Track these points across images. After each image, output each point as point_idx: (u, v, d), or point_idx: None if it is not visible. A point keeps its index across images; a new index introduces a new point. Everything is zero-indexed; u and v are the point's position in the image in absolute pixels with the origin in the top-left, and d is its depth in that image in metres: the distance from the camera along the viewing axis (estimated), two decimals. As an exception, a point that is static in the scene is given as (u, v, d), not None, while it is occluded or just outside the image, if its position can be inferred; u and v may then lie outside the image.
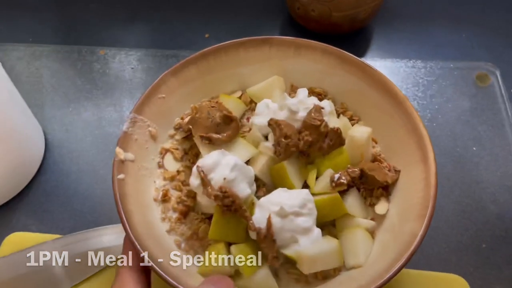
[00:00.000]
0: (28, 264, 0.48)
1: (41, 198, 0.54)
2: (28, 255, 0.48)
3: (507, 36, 0.68)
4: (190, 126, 0.46)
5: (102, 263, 0.47)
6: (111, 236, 0.50)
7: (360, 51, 0.67)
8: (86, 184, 0.55)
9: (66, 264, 0.48)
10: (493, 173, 0.55)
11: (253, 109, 0.50)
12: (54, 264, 0.48)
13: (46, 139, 0.59)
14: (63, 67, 0.66)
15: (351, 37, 0.68)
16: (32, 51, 0.67)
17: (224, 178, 0.40)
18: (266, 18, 0.72)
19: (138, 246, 0.37)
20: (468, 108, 0.60)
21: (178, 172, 0.46)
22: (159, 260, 0.38)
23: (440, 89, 0.62)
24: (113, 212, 0.52)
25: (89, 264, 0.47)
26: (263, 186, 0.45)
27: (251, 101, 0.51)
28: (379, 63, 0.65)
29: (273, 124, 0.44)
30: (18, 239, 0.50)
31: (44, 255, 0.48)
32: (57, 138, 0.59)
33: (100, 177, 0.55)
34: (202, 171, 0.41)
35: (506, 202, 0.53)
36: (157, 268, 0.36)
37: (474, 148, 0.57)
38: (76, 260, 0.48)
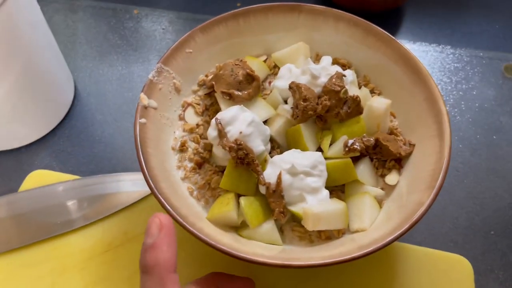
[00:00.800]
0: (46, 200, 0.51)
1: (66, 142, 0.57)
2: (47, 191, 0.51)
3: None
4: (213, 83, 0.47)
5: (116, 207, 0.50)
6: (126, 182, 0.52)
7: (390, 32, 0.66)
8: (108, 133, 0.58)
9: (82, 203, 0.50)
10: (511, 163, 0.54)
11: (275, 74, 0.51)
12: (70, 202, 0.50)
13: (75, 88, 0.61)
14: (98, 23, 0.68)
15: (383, 17, 0.68)
16: (70, 4, 0.70)
17: (240, 132, 0.42)
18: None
19: (153, 185, 0.39)
20: (492, 97, 0.60)
21: (198, 125, 0.48)
22: (172, 201, 0.39)
23: (466, 76, 0.62)
24: (131, 161, 0.54)
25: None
26: (277, 147, 0.46)
27: (275, 66, 0.52)
28: (408, 45, 0.64)
29: (294, 87, 0.45)
30: (40, 176, 0.53)
31: (62, 193, 0.51)
32: (86, 88, 0.61)
33: (123, 128, 0.58)
34: (220, 123, 0.42)
35: (521, 193, 0.52)
36: (168, 207, 0.38)
37: (494, 137, 0.56)
38: (92, 201, 0.50)
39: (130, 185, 0.52)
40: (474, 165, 0.55)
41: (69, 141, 0.57)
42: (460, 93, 0.60)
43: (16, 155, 0.55)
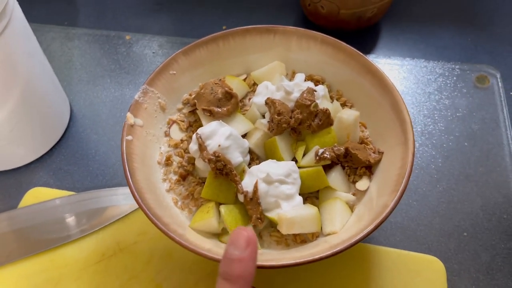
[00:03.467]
0: (44, 215, 0.54)
1: (63, 161, 0.60)
2: (45, 207, 0.55)
3: (510, 40, 0.71)
4: (195, 101, 0.51)
5: (109, 220, 0.54)
6: (119, 196, 0.55)
7: (367, 49, 0.71)
8: (102, 152, 0.61)
9: (78, 217, 0.54)
10: (483, 168, 0.57)
11: (255, 91, 0.55)
12: (67, 216, 0.54)
13: (71, 110, 0.65)
14: (92, 49, 0.73)
15: (359, 35, 0.72)
16: (66, 33, 0.75)
17: (219, 145, 0.45)
18: (280, 14, 0.77)
19: (138, 197, 0.42)
20: (464, 107, 0.63)
21: (182, 140, 0.52)
22: (155, 210, 0.43)
23: (439, 87, 0.65)
24: (123, 177, 0.58)
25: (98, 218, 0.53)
26: (256, 159, 0.50)
27: (254, 84, 0.56)
28: (383, 60, 0.68)
29: (269, 102, 0.49)
30: (38, 193, 0.56)
31: (59, 208, 0.54)
32: (81, 110, 0.65)
33: (116, 146, 0.61)
34: (200, 137, 0.46)
35: (492, 195, 0.55)
36: (151, 216, 0.41)
37: (466, 144, 0.60)
38: (87, 214, 0.54)
39: (122, 198, 0.55)
40: (447, 170, 0.57)
41: (66, 160, 0.60)
42: (433, 103, 0.64)
43: (15, 174, 0.59)
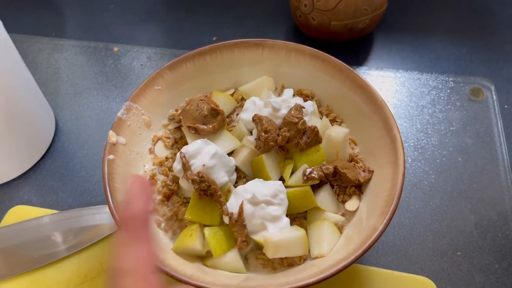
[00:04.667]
0: (27, 234, 0.52)
1: (46, 177, 0.59)
2: (28, 226, 0.53)
3: (507, 53, 0.69)
4: (181, 117, 0.50)
5: (93, 239, 0.52)
6: (103, 215, 0.54)
7: (359, 60, 0.70)
8: (88, 168, 0.60)
9: (62, 236, 0.52)
10: (476, 184, 0.56)
11: (243, 106, 0.54)
12: (50, 235, 0.52)
13: (56, 124, 0.64)
14: (79, 60, 0.71)
15: (351, 46, 0.70)
16: (54, 44, 0.73)
17: (203, 165, 0.44)
18: (272, 25, 0.75)
19: (117, 217, 0.41)
20: (458, 120, 0.62)
21: (167, 158, 0.50)
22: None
23: (432, 100, 0.64)
24: (108, 194, 0.56)
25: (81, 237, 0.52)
26: (243, 177, 0.48)
27: (242, 99, 0.55)
28: (376, 72, 0.67)
29: (256, 119, 0.47)
30: (20, 211, 0.55)
31: (42, 227, 0.53)
32: (67, 124, 0.64)
33: (101, 162, 0.60)
34: (185, 156, 0.45)
35: (486, 213, 0.54)
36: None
37: (460, 159, 0.58)
38: (71, 233, 0.52)
39: (106, 217, 0.54)
40: (440, 187, 0.56)
41: (50, 176, 0.59)
42: (427, 117, 0.62)
43: (-3, 193, 0.57)
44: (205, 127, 0.48)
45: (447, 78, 0.66)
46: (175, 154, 0.50)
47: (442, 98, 0.64)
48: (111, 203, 0.42)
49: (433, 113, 0.63)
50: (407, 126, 0.61)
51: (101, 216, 0.54)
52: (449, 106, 0.63)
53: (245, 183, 0.46)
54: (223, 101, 0.52)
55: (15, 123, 0.55)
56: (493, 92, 0.64)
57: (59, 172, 0.59)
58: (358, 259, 0.39)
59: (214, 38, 0.74)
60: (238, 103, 0.54)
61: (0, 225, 0.54)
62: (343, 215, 0.46)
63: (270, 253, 0.41)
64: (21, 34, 0.74)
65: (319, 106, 0.53)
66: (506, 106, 0.63)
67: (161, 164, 0.50)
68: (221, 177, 0.44)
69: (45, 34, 0.75)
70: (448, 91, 0.65)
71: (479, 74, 0.67)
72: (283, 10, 0.77)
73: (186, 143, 0.51)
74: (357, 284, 0.48)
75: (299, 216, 0.46)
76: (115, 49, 0.72)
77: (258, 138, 0.47)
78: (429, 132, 0.61)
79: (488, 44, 0.71)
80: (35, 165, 0.60)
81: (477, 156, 0.58)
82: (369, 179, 0.47)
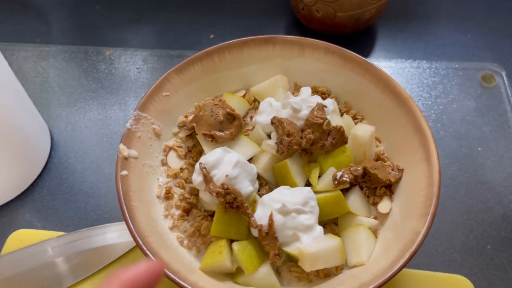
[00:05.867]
0: (31, 260, 0.48)
1: (46, 196, 0.54)
2: (32, 252, 0.49)
3: (513, 37, 0.68)
4: (194, 124, 0.46)
5: (105, 261, 0.48)
6: (114, 233, 0.50)
7: (365, 52, 0.67)
8: (91, 182, 0.56)
9: (70, 261, 0.48)
10: (499, 174, 0.55)
11: (256, 108, 0.51)
12: (57, 260, 0.48)
13: (52, 138, 0.59)
14: (70, 67, 0.66)
15: (355, 38, 0.68)
16: (39, 51, 0.68)
17: (227, 175, 0.40)
18: (270, 19, 0.72)
19: (141, 242, 0.37)
20: (473, 109, 0.60)
21: (182, 169, 0.47)
22: (162, 255, 0.38)
23: (445, 89, 0.62)
24: (117, 210, 0.52)
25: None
26: (265, 184, 0.45)
27: (255, 100, 0.51)
28: (384, 63, 0.65)
29: (276, 122, 0.44)
30: (22, 236, 0.50)
31: (47, 252, 0.49)
32: (63, 137, 0.59)
33: (105, 175, 0.56)
34: (205, 168, 0.41)
35: (512, 203, 0.52)
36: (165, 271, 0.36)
37: (480, 149, 0.57)
38: (80, 257, 0.48)
39: (117, 236, 0.50)
40: (463, 179, 0.54)
41: (50, 195, 0.55)
42: (441, 107, 0.60)
43: (-5, 217, 0.53)
44: (222, 133, 0.45)
45: (456, 66, 0.64)
46: (190, 165, 0.47)
47: (454, 87, 0.62)
48: (131, 225, 0.38)
49: (447, 103, 0.61)
50: (422, 118, 0.59)
51: (112, 236, 0.50)
52: (462, 95, 0.61)
53: (268, 191, 0.44)
54: (236, 104, 0.49)
55: (8, 140, 0.50)
56: (504, 77, 0.63)
57: (60, 190, 0.55)
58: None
59: (211, 36, 0.70)
60: (250, 105, 0.51)
61: (2, 252, 0.49)
62: (375, 218, 0.43)
63: (307, 266, 0.38)
64: (2, 42, 0.69)
65: (337, 103, 0.50)
66: (519, 92, 0.62)
67: (176, 176, 0.46)
68: (246, 187, 0.41)
69: (29, 41, 0.70)
70: (460, 79, 0.63)
71: (487, 59, 0.65)
72: (281, 4, 0.73)
73: (200, 152, 0.48)
74: (391, 287, 0.46)
75: (329, 222, 0.44)
76: (107, 53, 0.68)
77: (280, 142, 0.44)
78: (445, 123, 0.59)
79: (492, 29, 0.70)
80: (32, 184, 0.55)
81: (497, 145, 0.57)
82: (400, 178, 0.44)
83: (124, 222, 0.49)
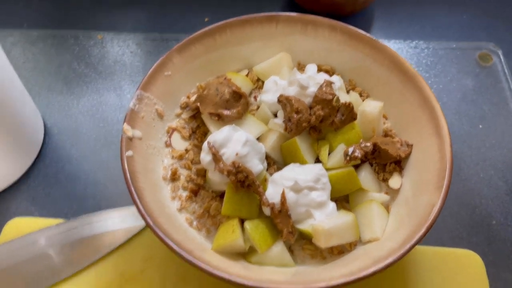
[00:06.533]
0: (28, 251, 0.46)
1: (42, 184, 0.52)
2: (28, 241, 0.47)
3: (507, 17, 0.69)
4: (198, 104, 0.45)
5: (107, 247, 0.47)
6: (114, 219, 0.48)
7: (363, 33, 0.67)
8: (87, 169, 0.54)
9: (69, 250, 0.46)
10: (500, 150, 0.55)
11: (260, 87, 0.50)
12: (55, 250, 0.46)
13: (45, 125, 0.57)
14: (60, 52, 0.64)
15: (352, 19, 0.67)
16: (27, 36, 0.65)
17: (237, 154, 0.39)
18: (266, 1, 0.71)
19: (151, 223, 0.36)
20: (472, 88, 0.60)
21: (187, 150, 0.45)
22: (174, 236, 0.36)
23: (443, 69, 0.62)
24: (116, 195, 0.51)
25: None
26: (273, 163, 0.45)
27: (258, 79, 0.50)
28: (385, 43, 0.64)
29: (283, 100, 0.43)
30: (19, 224, 0.48)
31: (44, 241, 0.47)
32: (57, 124, 0.57)
33: (102, 161, 0.54)
34: (213, 146, 0.40)
35: (514, 178, 0.53)
36: (172, 244, 0.35)
37: (480, 126, 0.57)
38: (80, 245, 0.46)
39: (118, 222, 0.48)
40: (466, 156, 0.55)
41: (45, 182, 0.53)
42: (441, 86, 0.60)
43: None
44: (229, 112, 0.44)
45: (454, 46, 0.64)
46: (195, 146, 0.46)
47: (453, 66, 0.62)
48: (140, 205, 0.37)
49: (446, 82, 0.61)
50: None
51: (113, 222, 0.48)
52: (460, 74, 0.62)
53: (276, 171, 0.43)
54: (240, 83, 0.48)
55: (1, 127, 0.48)
56: (501, 56, 0.63)
57: (55, 177, 0.53)
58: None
59: (206, 19, 0.68)
60: (254, 84, 0.50)
61: (-2, 243, 0.47)
62: (386, 193, 0.43)
63: (322, 243, 0.37)
64: (-13, 28, 0.66)
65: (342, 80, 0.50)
66: (516, 70, 0.63)
67: (181, 157, 0.45)
68: (256, 165, 0.40)
69: (16, 26, 0.67)
70: (457, 59, 0.63)
71: (484, 39, 0.66)
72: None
73: (205, 133, 0.46)
74: (402, 264, 0.46)
75: (340, 199, 0.43)
76: (99, 37, 0.65)
77: (288, 120, 0.43)
78: (445, 101, 0.59)
79: (487, 9, 0.70)
80: (27, 172, 0.53)
81: (497, 123, 0.57)
82: (409, 154, 0.44)
83: (125, 208, 0.48)
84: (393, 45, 0.64)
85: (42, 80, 0.61)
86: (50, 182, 0.53)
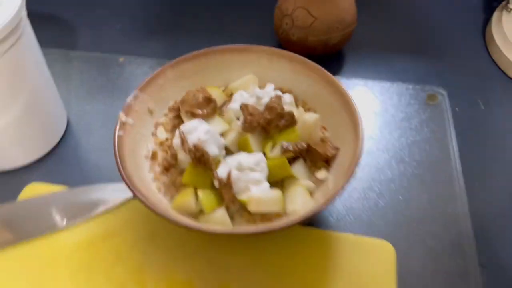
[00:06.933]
0: (37, 206, 0.60)
1: (58, 164, 0.67)
2: (38, 199, 0.61)
3: (456, 65, 0.82)
4: (179, 105, 0.59)
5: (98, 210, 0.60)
6: (109, 191, 0.62)
7: (332, 71, 0.79)
8: (95, 157, 0.68)
9: (70, 207, 0.60)
10: (431, 173, 0.66)
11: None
12: (58, 207, 0.59)
13: (68, 120, 0.72)
14: (89, 69, 0.81)
15: (325, 59, 0.80)
16: (66, 54, 0.83)
17: (199, 139, 0.53)
18: (258, 43, 0.86)
19: (126, 178, 0.49)
20: (417, 120, 0.72)
21: (167, 139, 0.59)
22: (143, 193, 0.49)
23: (395, 103, 0.74)
24: (115, 175, 0.64)
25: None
26: (231, 155, 0.57)
27: (232, 94, 0.64)
28: (348, 81, 0.78)
29: (243, 106, 0.57)
30: (34, 188, 0.62)
31: (51, 200, 0.60)
32: (77, 120, 0.73)
33: (108, 151, 0.67)
34: (183, 132, 0.54)
35: (439, 192, 0.63)
36: (145, 200, 0.48)
37: (416, 149, 0.68)
38: (77, 205, 0.60)
39: (110, 191, 0.61)
40: (401, 173, 0.66)
41: (61, 163, 0.67)
42: (389, 117, 0.73)
43: (13, 175, 0.65)
44: (200, 111, 0.58)
45: (408, 86, 0.77)
46: (174, 136, 0.59)
47: (403, 102, 0.75)
48: (121, 167, 0.50)
49: (395, 113, 0.73)
50: (370, 124, 0.71)
51: (106, 192, 0.61)
52: (408, 109, 0.74)
53: (233, 158, 0.56)
54: (216, 94, 0.62)
55: (35, 114, 0.63)
56: (446, 97, 0.75)
57: (69, 160, 0.68)
58: (320, 212, 0.47)
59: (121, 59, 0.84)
60: (227, 97, 0.64)
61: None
62: (314, 183, 0.55)
63: (253, 207, 0.49)
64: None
65: (296, 100, 0.63)
66: (457, 109, 0.74)
67: (162, 144, 0.59)
68: (213, 150, 0.53)
69: (59, 47, 0.86)
70: (409, 96, 0.76)
71: (435, 83, 0.78)
72: (266, 33, 0.88)
73: (183, 128, 0.60)
74: (314, 248, 0.56)
75: (277, 184, 0.55)
76: (121, 59, 0.82)
77: (244, 121, 0.56)
78: (392, 127, 0.71)
79: (442, 59, 0.83)
80: (47, 154, 0.68)
81: (433, 149, 0.68)
82: (336, 154, 0.56)
83: (120, 183, 0.62)
84: (356, 81, 0.78)
85: (72, 87, 0.78)
86: (64, 163, 0.67)
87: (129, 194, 0.58)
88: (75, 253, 0.56)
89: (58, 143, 0.70)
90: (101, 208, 0.60)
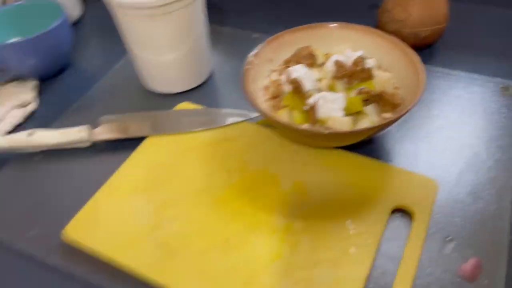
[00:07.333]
0: (182, 114, 0.88)
1: (204, 96, 0.95)
2: (184, 111, 0.89)
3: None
4: (291, 58, 0.83)
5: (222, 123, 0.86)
6: (233, 114, 0.87)
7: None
8: (227, 92, 0.95)
9: (202, 117, 0.87)
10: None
11: (329, 61, 0.85)
12: (195, 116, 0.87)
13: (212, 66, 1.01)
14: (232, 41, 1.10)
15: (417, 51, 0.98)
16: (215, 28, 1.14)
17: (299, 75, 0.75)
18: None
19: (249, 96, 0.74)
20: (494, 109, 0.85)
21: (277, 80, 0.83)
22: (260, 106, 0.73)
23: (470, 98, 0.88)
24: (239, 106, 0.90)
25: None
26: (321, 95, 0.79)
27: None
28: (433, 68, 0.94)
29: (336, 61, 0.78)
30: (185, 105, 0.91)
31: (192, 112, 0.88)
32: (219, 68, 1.01)
33: (237, 88, 0.95)
34: (290, 70, 0.77)
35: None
36: (258, 106, 0.72)
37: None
38: (211, 117, 0.87)
39: (232, 113, 0.87)
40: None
41: (204, 93, 0.95)
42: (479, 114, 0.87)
43: (174, 96, 0.95)
44: (304, 61, 0.81)
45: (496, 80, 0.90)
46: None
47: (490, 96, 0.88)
48: (246, 86, 0.75)
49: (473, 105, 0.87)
50: (447, 110, 0.86)
51: (228, 113, 0.87)
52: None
53: (321, 96, 0.77)
54: (317, 54, 0.84)
55: (193, 55, 0.92)
56: (519, 89, 0.86)
57: (212, 95, 0.95)
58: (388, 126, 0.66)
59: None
60: (327, 58, 0.86)
61: (172, 110, 0.91)
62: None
63: (330, 124, 0.70)
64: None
65: (379, 65, 0.82)
66: (527, 100, 0.85)
67: (273, 82, 0.82)
68: (307, 84, 0.75)
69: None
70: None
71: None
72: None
73: (291, 75, 0.83)
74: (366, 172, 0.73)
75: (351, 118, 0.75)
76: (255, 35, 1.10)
77: (335, 71, 0.77)
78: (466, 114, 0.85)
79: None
80: (197, 86, 0.97)
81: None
82: (401, 104, 0.73)
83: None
84: (443, 69, 0.93)
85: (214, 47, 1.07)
86: (209, 96, 0.95)
87: (243, 118, 0.83)
88: (204, 148, 0.82)
89: (205, 81, 0.98)
90: (224, 122, 0.86)
